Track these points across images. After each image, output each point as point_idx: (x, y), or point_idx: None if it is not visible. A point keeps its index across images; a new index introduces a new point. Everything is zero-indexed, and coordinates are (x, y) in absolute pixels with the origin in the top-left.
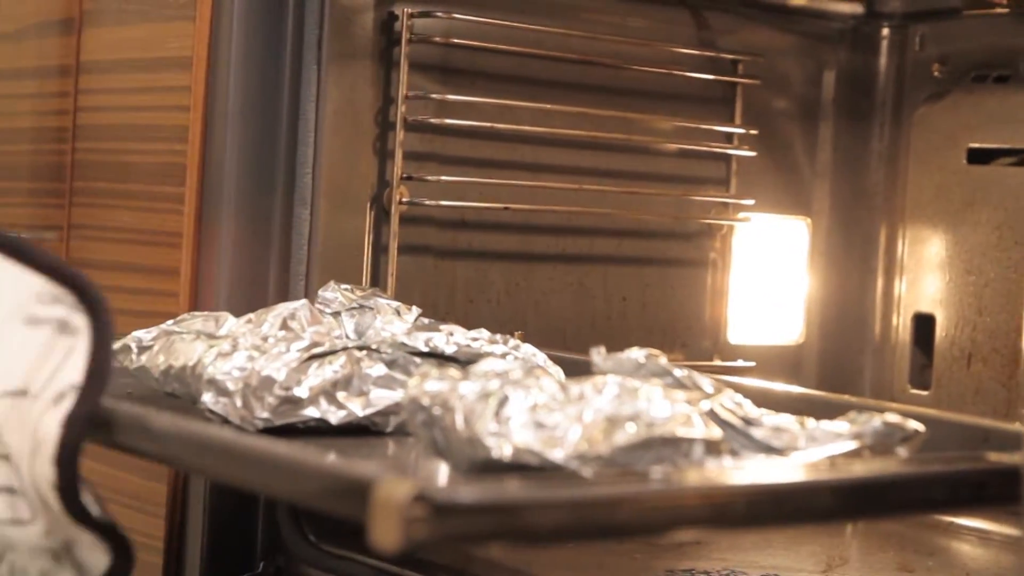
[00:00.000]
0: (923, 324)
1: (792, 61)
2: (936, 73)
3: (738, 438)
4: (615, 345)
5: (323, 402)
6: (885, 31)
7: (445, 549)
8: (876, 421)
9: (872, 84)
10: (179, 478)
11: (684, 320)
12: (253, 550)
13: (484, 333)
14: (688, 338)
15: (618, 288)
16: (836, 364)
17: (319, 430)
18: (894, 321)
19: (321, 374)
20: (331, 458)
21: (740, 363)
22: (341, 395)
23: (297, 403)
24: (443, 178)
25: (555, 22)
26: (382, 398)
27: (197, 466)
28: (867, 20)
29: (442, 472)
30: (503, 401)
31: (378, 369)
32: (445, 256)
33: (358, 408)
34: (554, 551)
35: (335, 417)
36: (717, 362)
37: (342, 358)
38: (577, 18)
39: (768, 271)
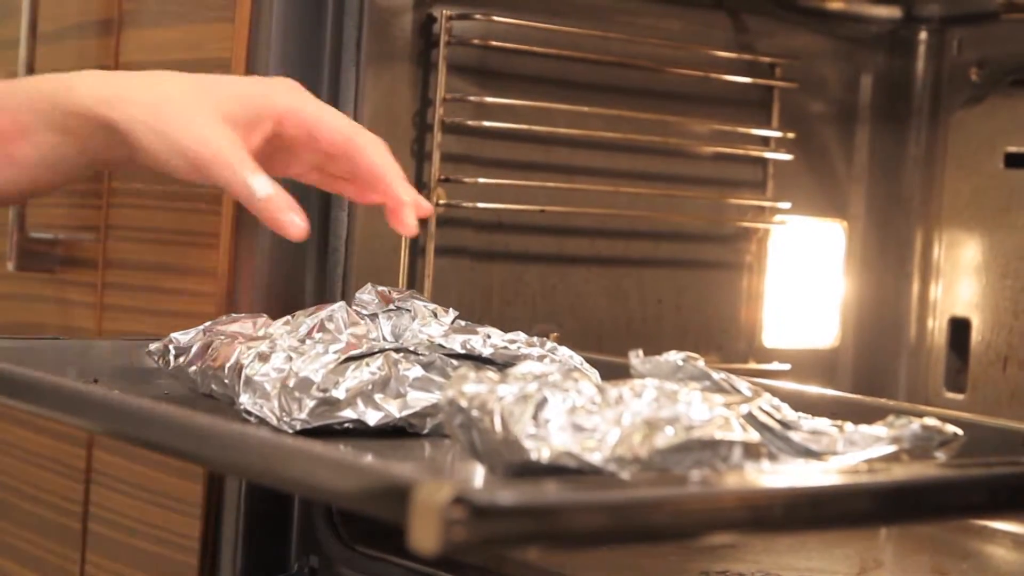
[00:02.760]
0: (959, 328)
1: (829, 65)
2: (974, 77)
3: (776, 442)
4: (650, 348)
5: (360, 404)
6: (923, 35)
7: (480, 551)
8: (915, 425)
9: (909, 88)
10: (215, 478)
11: (719, 323)
12: (287, 551)
13: (521, 336)
14: (723, 341)
15: (654, 290)
16: (871, 368)
17: (355, 432)
18: (929, 325)
19: (358, 376)
20: (371, 460)
21: (775, 366)
22: (378, 397)
23: (335, 404)
24: (480, 180)
25: (592, 25)
26: (419, 400)
27: (236, 467)
28: (905, 24)
29: (479, 474)
30: (541, 403)
31: (415, 371)
32: (482, 258)
33: (395, 410)
34: (587, 552)
35: (372, 418)
36: (752, 365)
37: (379, 360)
38: (614, 21)
39: (804, 274)
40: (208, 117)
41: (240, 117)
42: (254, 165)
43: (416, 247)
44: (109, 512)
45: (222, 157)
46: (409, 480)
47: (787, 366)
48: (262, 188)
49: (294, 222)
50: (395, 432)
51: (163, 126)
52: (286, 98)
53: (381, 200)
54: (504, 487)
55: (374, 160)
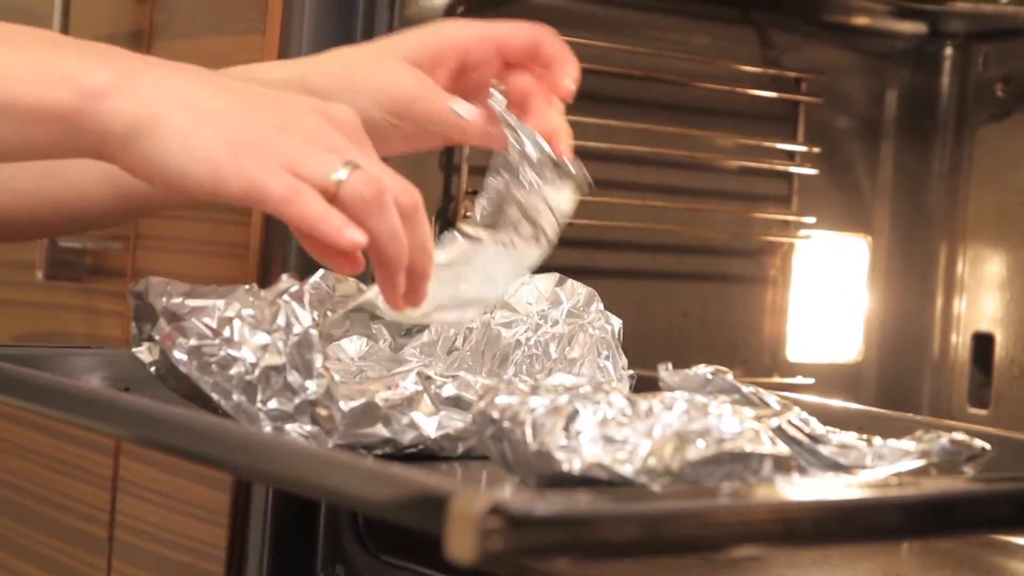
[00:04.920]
0: (982, 343)
1: (855, 80)
2: (999, 93)
3: (805, 455)
4: (675, 361)
5: (394, 422)
6: (948, 51)
7: (515, 561)
8: (943, 439)
9: (934, 103)
10: (241, 487)
11: (744, 337)
12: (313, 560)
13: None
14: (748, 355)
15: (679, 304)
16: (895, 382)
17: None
18: (953, 340)
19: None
20: (407, 470)
21: (799, 380)
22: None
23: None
24: None
25: (620, 39)
26: (452, 419)
27: (270, 475)
28: (930, 40)
29: (510, 487)
30: (572, 415)
31: (448, 389)
32: None
33: (431, 429)
34: (611, 566)
35: (407, 436)
36: (776, 379)
37: (412, 376)
38: (642, 35)
39: (828, 289)
40: (393, 61)
41: (423, 58)
42: (448, 94)
43: None
44: (135, 520)
45: (418, 91)
46: (446, 490)
47: (811, 380)
48: (466, 110)
49: (504, 135)
50: (425, 456)
51: (353, 81)
52: (458, 27)
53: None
54: (539, 497)
55: (556, 43)
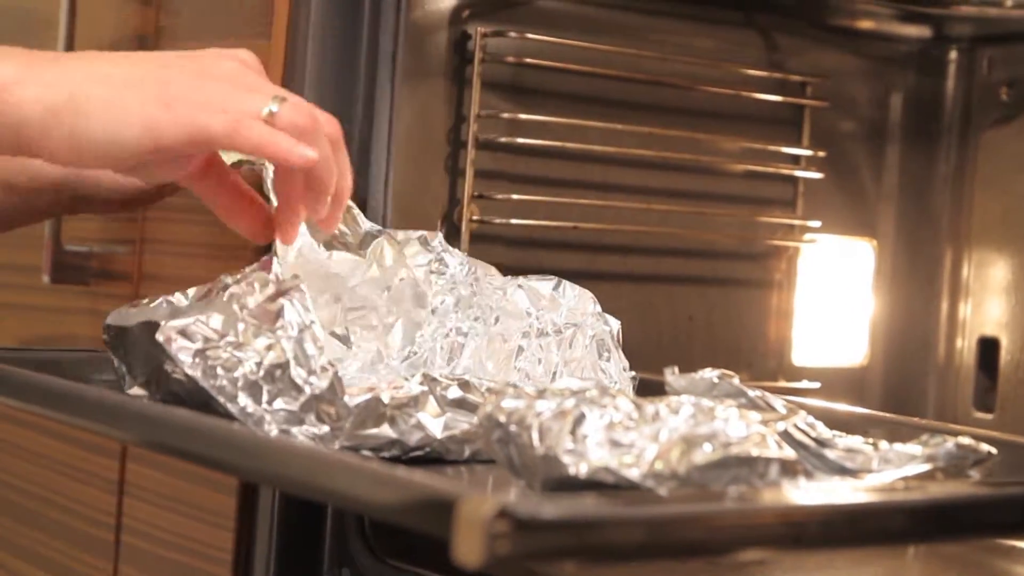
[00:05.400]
0: (988, 347)
1: (860, 83)
2: (1004, 97)
3: (812, 459)
4: (681, 365)
5: (400, 423)
6: (953, 54)
7: (522, 565)
8: (949, 444)
9: (939, 107)
10: (248, 491)
11: (749, 341)
12: (320, 564)
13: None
14: (753, 358)
15: (684, 308)
16: (900, 386)
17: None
18: (958, 344)
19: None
20: (415, 473)
21: (804, 384)
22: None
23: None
24: (513, 197)
25: (625, 43)
26: (458, 421)
27: (278, 478)
28: (935, 43)
29: (516, 491)
30: (579, 419)
31: (453, 391)
32: (514, 274)
33: (437, 430)
34: (617, 567)
35: (413, 438)
36: (781, 383)
37: (418, 377)
38: (647, 39)
39: (833, 293)
40: None
41: None
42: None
43: None
44: (142, 524)
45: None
46: (453, 493)
47: (816, 384)
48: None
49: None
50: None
51: None
52: None
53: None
54: (546, 501)
55: None
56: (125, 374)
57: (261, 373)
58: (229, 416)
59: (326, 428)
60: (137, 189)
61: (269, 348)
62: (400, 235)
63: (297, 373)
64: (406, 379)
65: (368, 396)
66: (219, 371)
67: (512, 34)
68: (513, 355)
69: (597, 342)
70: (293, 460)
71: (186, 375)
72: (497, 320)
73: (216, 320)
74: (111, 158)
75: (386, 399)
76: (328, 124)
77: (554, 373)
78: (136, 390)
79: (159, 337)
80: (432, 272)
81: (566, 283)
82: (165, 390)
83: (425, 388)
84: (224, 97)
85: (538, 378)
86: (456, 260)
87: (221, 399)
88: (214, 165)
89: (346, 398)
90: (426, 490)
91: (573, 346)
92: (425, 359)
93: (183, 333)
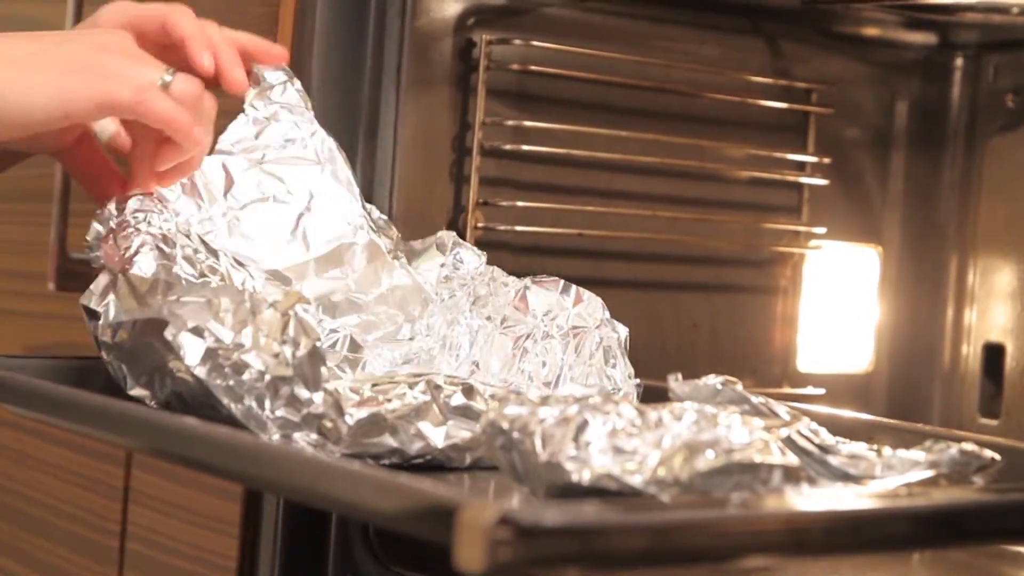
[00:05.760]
0: (993, 353)
1: (865, 90)
2: (1009, 103)
3: (815, 466)
4: (685, 371)
5: (401, 432)
6: (959, 61)
7: (524, 572)
8: (953, 450)
9: (945, 114)
10: (252, 498)
11: (754, 347)
12: (324, 571)
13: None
14: (758, 365)
15: (689, 315)
16: (905, 393)
17: (391, 466)
18: (964, 350)
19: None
20: (417, 480)
21: (809, 391)
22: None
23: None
24: (518, 204)
25: (630, 50)
26: (460, 429)
27: (280, 486)
28: (941, 50)
29: (518, 498)
30: (582, 426)
31: (457, 399)
32: None
33: (439, 439)
34: (620, 574)
35: (414, 447)
36: (786, 389)
37: (421, 385)
38: (652, 46)
39: (838, 299)
40: None
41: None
42: None
43: None
44: (147, 531)
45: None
46: (455, 500)
47: (821, 391)
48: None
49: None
50: (432, 467)
51: None
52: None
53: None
54: (548, 508)
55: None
56: (126, 375)
57: (265, 383)
58: (232, 418)
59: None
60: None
61: (275, 358)
62: (417, 244)
63: (300, 390)
64: (410, 386)
65: (369, 412)
66: (227, 371)
67: (517, 41)
68: (518, 356)
69: (604, 348)
70: (295, 467)
71: (192, 374)
72: (504, 320)
73: (227, 318)
74: (19, 127)
75: (387, 414)
76: (208, 96)
77: (558, 377)
78: (138, 390)
79: (168, 334)
80: (444, 267)
81: (576, 287)
82: (168, 391)
83: (428, 397)
84: (124, 67)
85: (542, 380)
86: (474, 256)
87: (226, 400)
88: (86, 136)
89: (347, 416)
90: (427, 497)
91: (580, 351)
92: (431, 351)
93: (193, 331)
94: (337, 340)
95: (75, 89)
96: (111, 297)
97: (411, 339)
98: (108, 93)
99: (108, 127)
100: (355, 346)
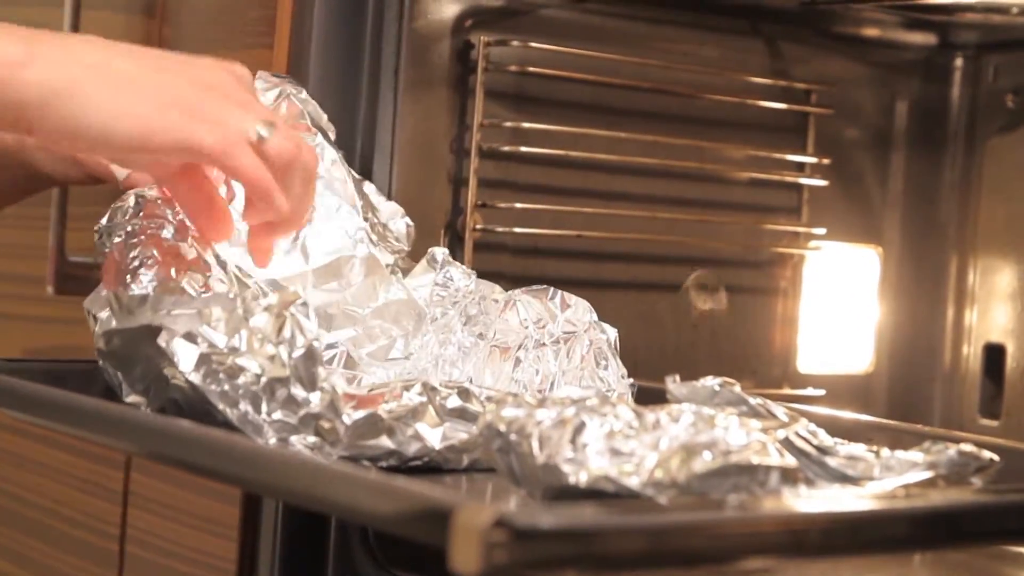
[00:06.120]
0: (993, 354)
1: (865, 91)
2: (1009, 104)
3: (813, 467)
4: (685, 373)
5: (398, 433)
6: (958, 62)
7: (519, 575)
8: (951, 451)
9: (945, 114)
10: (251, 501)
11: (754, 348)
12: (324, 574)
13: None
14: (758, 366)
15: (688, 316)
16: (905, 394)
17: (389, 468)
18: (964, 351)
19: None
20: (412, 483)
21: (810, 392)
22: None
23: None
24: (516, 205)
25: (629, 51)
26: (457, 431)
27: (277, 489)
28: (940, 51)
29: (515, 500)
30: (579, 428)
31: (453, 401)
32: (518, 282)
33: (435, 441)
34: None
35: (411, 448)
36: (787, 390)
37: (417, 387)
38: (651, 47)
39: (838, 300)
40: None
41: None
42: None
43: None
44: (146, 534)
45: None
46: (450, 503)
47: (821, 392)
48: None
49: None
50: (429, 468)
51: None
52: None
53: None
54: (544, 510)
55: None
56: (121, 382)
57: (261, 385)
58: (228, 424)
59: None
60: (82, 175)
61: (270, 360)
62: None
63: (296, 391)
64: (405, 389)
65: (366, 413)
66: (221, 376)
67: (515, 43)
68: (511, 367)
69: (594, 351)
70: (291, 471)
71: (187, 380)
72: (495, 333)
73: (219, 325)
74: (101, 148)
75: (384, 414)
76: (308, 153)
77: (552, 383)
78: (134, 398)
79: (161, 341)
80: (437, 285)
81: (561, 292)
82: (164, 398)
83: (424, 398)
84: (217, 110)
85: (536, 389)
86: (464, 276)
87: (221, 405)
88: (192, 169)
89: (344, 416)
90: (423, 500)
91: (571, 356)
92: (425, 370)
93: (186, 337)
94: (334, 357)
95: (160, 125)
96: (106, 305)
97: (406, 358)
98: (191, 137)
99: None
100: (351, 363)
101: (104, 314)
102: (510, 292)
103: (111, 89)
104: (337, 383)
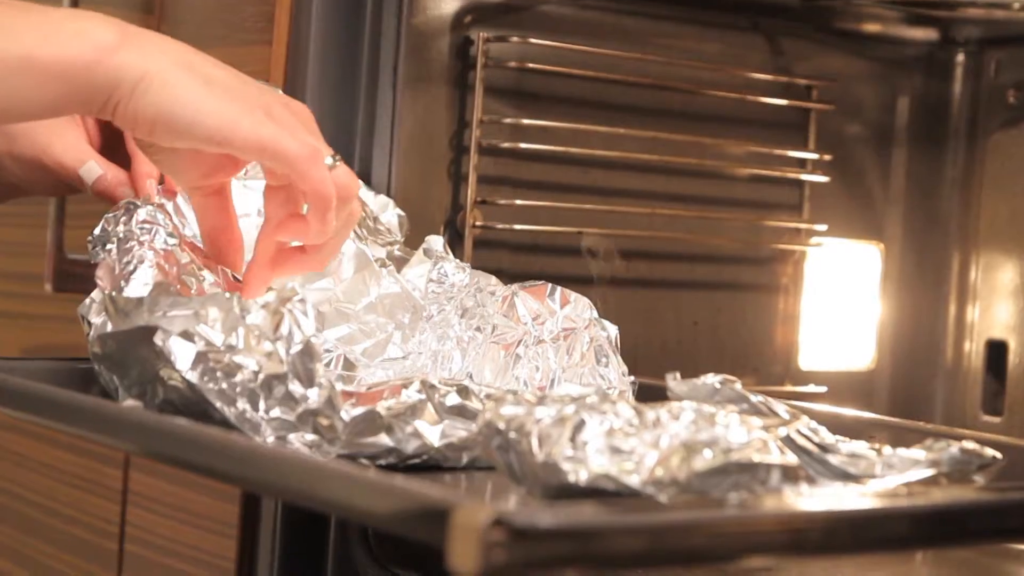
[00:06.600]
0: (996, 350)
1: (866, 87)
2: (1011, 99)
3: (814, 465)
4: (686, 370)
5: (397, 431)
6: (960, 57)
7: (518, 574)
8: (953, 448)
9: (946, 110)
10: (251, 499)
11: (755, 345)
12: (323, 572)
13: None
14: (759, 363)
15: (689, 313)
16: (908, 390)
17: (387, 466)
18: (966, 347)
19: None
20: (410, 482)
21: (811, 388)
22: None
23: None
24: (516, 202)
25: (629, 47)
26: (456, 428)
27: (275, 488)
28: (942, 46)
29: (514, 499)
30: (579, 426)
31: (452, 398)
32: (518, 279)
33: (435, 438)
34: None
35: (411, 446)
36: (788, 387)
37: (416, 384)
38: (651, 43)
39: (840, 297)
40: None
41: None
42: None
43: None
44: (145, 533)
45: None
46: (449, 502)
47: (823, 388)
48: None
49: None
50: (428, 467)
51: None
52: None
53: None
54: (543, 509)
55: None
56: (117, 386)
57: (259, 382)
58: (226, 423)
59: (322, 437)
60: (50, 184)
61: (268, 357)
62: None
63: (295, 387)
64: (404, 386)
65: (365, 409)
66: (218, 374)
67: (514, 39)
68: (511, 363)
69: (595, 348)
70: (289, 470)
71: (184, 380)
72: (494, 329)
73: (216, 324)
74: (184, 137)
75: (382, 411)
76: (358, 202)
77: (552, 380)
78: (130, 401)
79: (157, 341)
80: (432, 281)
81: (561, 288)
82: (160, 399)
83: (423, 396)
84: (299, 130)
85: (536, 386)
86: (458, 270)
87: (219, 403)
88: (222, 192)
89: (343, 412)
90: (422, 498)
91: (571, 353)
92: (424, 367)
93: (182, 335)
94: (331, 359)
95: (248, 123)
96: (102, 309)
97: (404, 358)
98: (276, 139)
99: (95, 169)
100: (349, 365)
101: (98, 319)
102: (508, 286)
103: (201, 84)
104: (336, 383)
